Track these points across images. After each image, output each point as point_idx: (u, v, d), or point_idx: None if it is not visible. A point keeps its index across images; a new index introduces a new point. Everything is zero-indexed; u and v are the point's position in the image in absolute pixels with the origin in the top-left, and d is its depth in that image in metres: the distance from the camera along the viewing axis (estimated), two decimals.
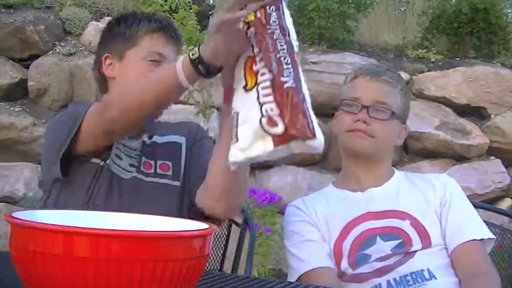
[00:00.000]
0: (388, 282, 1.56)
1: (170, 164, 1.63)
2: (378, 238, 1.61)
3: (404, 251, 1.59)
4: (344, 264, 1.60)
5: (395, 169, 1.76)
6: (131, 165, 1.59)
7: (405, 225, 1.61)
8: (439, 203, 1.65)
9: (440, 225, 1.63)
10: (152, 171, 1.60)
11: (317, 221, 1.67)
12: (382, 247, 1.59)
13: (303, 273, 1.61)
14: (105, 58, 1.66)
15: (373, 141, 1.63)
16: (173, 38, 1.67)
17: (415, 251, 1.59)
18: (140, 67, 1.62)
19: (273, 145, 1.00)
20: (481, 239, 1.62)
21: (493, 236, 1.64)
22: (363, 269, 1.59)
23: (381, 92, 1.65)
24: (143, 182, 1.58)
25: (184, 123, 1.83)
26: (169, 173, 1.61)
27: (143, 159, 1.61)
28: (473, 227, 1.64)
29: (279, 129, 0.99)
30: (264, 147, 1.01)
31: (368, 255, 1.59)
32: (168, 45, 1.65)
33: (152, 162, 1.62)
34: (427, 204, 1.64)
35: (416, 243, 1.59)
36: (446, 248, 1.62)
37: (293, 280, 1.63)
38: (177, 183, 1.61)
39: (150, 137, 1.65)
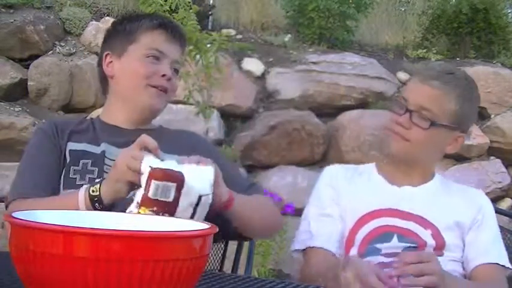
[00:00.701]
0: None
1: None
2: (395, 236, 1.61)
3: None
4: (353, 252, 1.61)
5: (436, 173, 1.74)
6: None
7: (426, 234, 1.61)
8: (470, 221, 1.64)
9: (461, 242, 1.63)
10: None
11: (341, 197, 1.68)
12: (396, 245, 1.60)
13: (310, 246, 1.67)
14: (106, 56, 1.65)
15: (408, 145, 1.61)
16: (175, 37, 1.66)
17: None
18: (139, 64, 1.61)
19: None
20: (503, 265, 1.62)
21: (511, 267, 1.65)
22: (370, 259, 1.59)
23: (427, 97, 1.59)
24: None
25: (179, 137, 1.71)
26: None
27: None
28: (499, 252, 1.64)
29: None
30: None
31: (378, 249, 1.60)
32: (169, 42, 1.64)
33: None
34: (456, 218, 1.63)
35: (430, 249, 1.59)
36: (461, 262, 1.63)
37: (297, 247, 1.70)
38: None
39: None
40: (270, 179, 4.37)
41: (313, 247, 1.66)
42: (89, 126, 1.66)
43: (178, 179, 1.24)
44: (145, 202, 1.23)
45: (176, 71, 1.67)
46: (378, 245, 1.61)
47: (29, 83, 4.38)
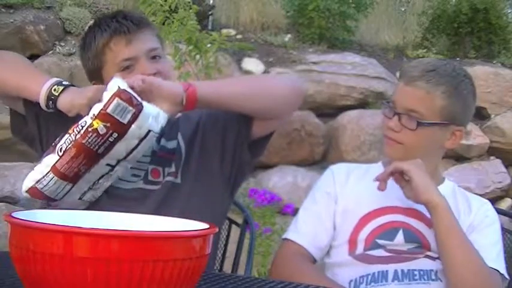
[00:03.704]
0: (395, 271, 1.56)
1: (175, 167, 1.56)
2: (400, 231, 1.60)
3: (421, 252, 1.59)
4: (359, 251, 1.61)
5: (446, 179, 1.74)
6: (134, 175, 1.53)
7: (430, 233, 1.60)
8: (467, 226, 1.62)
9: None
10: (161, 179, 1.54)
11: (343, 196, 1.67)
12: (400, 243, 1.59)
13: (288, 238, 1.67)
14: (93, 84, 1.60)
15: (402, 147, 1.61)
16: (134, 30, 1.53)
17: (429, 256, 1.58)
18: None
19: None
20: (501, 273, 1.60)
21: (508, 278, 1.62)
22: (374, 252, 1.59)
23: (412, 99, 1.59)
24: (152, 192, 1.52)
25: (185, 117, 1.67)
26: (173, 170, 1.55)
27: (150, 167, 1.54)
28: (499, 259, 1.61)
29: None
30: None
31: (382, 246, 1.60)
32: (131, 42, 1.53)
33: (160, 169, 1.55)
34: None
35: (435, 253, 1.59)
36: None
37: (284, 235, 1.70)
38: (178, 180, 1.55)
39: (157, 141, 1.56)
40: (270, 179, 4.38)
41: (293, 240, 1.66)
42: None
43: (138, 107, 1.33)
44: (102, 116, 1.32)
45: (156, 57, 1.56)
46: (382, 242, 1.60)
47: None
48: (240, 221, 1.90)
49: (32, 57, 4.48)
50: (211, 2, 5.35)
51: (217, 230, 0.87)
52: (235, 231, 1.92)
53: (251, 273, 1.90)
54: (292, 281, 1.30)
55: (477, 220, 1.64)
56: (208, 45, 3.52)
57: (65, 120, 1.46)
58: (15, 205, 4.05)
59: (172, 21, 3.37)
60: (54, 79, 1.47)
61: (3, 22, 4.44)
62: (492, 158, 4.82)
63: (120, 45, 1.53)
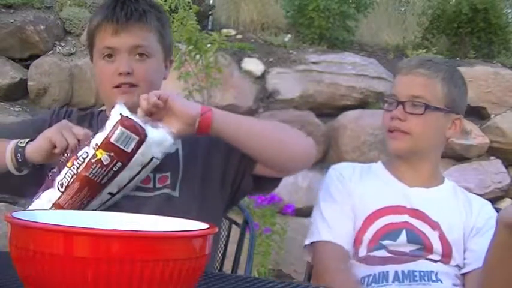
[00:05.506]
0: (396, 272, 1.56)
1: (168, 174, 1.49)
2: (404, 231, 1.60)
3: (422, 255, 1.58)
4: (362, 250, 1.61)
5: (445, 178, 1.73)
6: None
7: (433, 235, 1.60)
8: (470, 228, 1.63)
9: (463, 248, 1.62)
10: (151, 185, 1.48)
11: (349, 196, 1.65)
12: (402, 244, 1.59)
13: (323, 239, 1.62)
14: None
15: (409, 138, 1.61)
16: (120, 22, 1.49)
17: (431, 259, 1.58)
18: (98, 68, 1.54)
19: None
20: None
21: None
22: (377, 253, 1.59)
23: (415, 86, 1.60)
24: (145, 200, 1.45)
25: None
26: (168, 182, 1.49)
27: None
28: None
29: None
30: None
31: (385, 247, 1.60)
32: (118, 34, 1.49)
33: (151, 175, 1.47)
34: (460, 224, 1.63)
35: (437, 255, 1.59)
36: (459, 269, 1.61)
37: (313, 239, 1.63)
38: (175, 193, 1.49)
39: None
40: None
41: (327, 241, 1.63)
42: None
43: (142, 135, 1.30)
44: (105, 145, 1.28)
45: (143, 55, 1.51)
46: (385, 242, 1.60)
47: (29, 83, 4.39)
48: (240, 221, 1.90)
49: (32, 57, 4.49)
50: (211, 2, 5.35)
51: (217, 229, 0.87)
52: (235, 231, 1.92)
53: (251, 273, 1.89)
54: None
55: (480, 222, 1.64)
56: (208, 45, 3.53)
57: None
58: (15, 205, 4.05)
59: (172, 21, 3.38)
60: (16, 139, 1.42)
61: (3, 22, 4.44)
62: (492, 158, 4.82)
63: (108, 32, 1.50)
